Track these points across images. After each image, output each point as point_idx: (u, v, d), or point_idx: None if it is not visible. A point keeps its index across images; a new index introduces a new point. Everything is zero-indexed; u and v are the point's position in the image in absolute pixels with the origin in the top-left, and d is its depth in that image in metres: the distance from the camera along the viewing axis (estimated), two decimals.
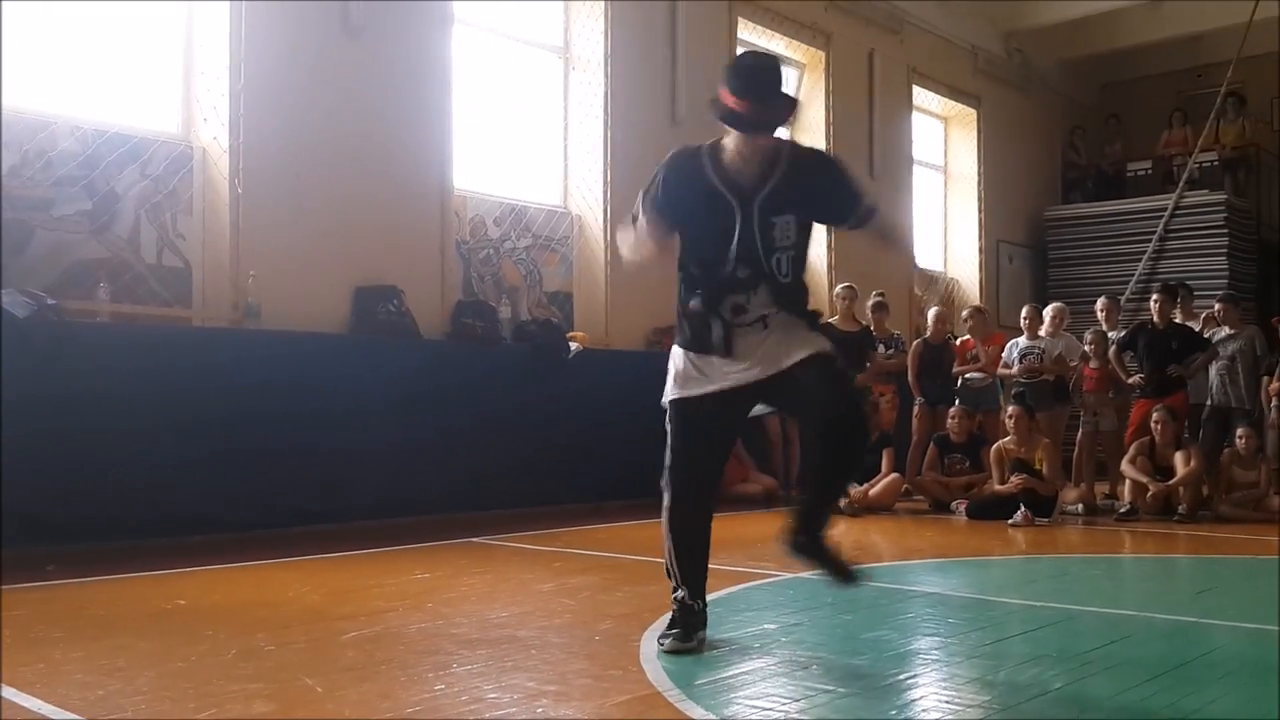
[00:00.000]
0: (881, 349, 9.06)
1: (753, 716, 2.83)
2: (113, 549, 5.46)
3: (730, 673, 3.28)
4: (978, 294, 12.86)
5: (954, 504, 8.10)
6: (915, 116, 12.46)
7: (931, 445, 8.53)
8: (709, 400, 3.46)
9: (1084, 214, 13.75)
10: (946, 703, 3.00)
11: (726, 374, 3.43)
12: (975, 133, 13.30)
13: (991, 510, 7.57)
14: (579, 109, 9.07)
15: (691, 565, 3.59)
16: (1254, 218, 13.31)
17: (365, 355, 6.98)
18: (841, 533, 7.18)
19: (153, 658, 3.41)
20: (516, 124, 8.83)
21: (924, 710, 2.95)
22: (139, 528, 5.74)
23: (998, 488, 7.73)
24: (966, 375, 9.02)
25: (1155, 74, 14.59)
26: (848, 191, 3.56)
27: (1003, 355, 8.91)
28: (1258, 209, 13.42)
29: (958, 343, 9.24)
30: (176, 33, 6.89)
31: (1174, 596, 5.31)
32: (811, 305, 3.60)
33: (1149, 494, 7.83)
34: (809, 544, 3.47)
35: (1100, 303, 9.52)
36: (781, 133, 3.59)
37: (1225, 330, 8.80)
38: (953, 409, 8.54)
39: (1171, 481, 7.80)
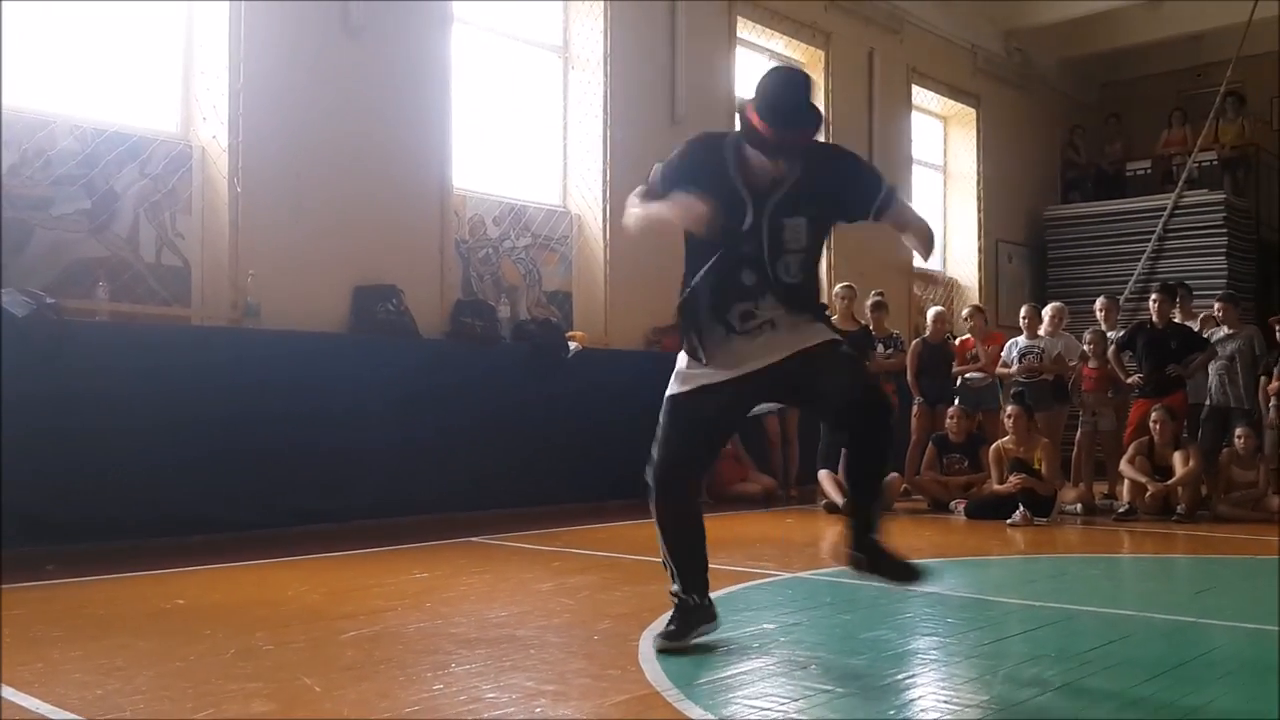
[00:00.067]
0: (880, 348, 9.06)
1: (751, 716, 2.83)
2: (112, 548, 5.46)
3: (729, 672, 3.28)
4: (977, 294, 12.86)
5: (953, 504, 8.11)
6: (915, 116, 12.46)
7: (930, 445, 8.53)
8: (709, 392, 3.41)
9: (1083, 213, 13.75)
10: (945, 702, 3.00)
11: (729, 366, 3.39)
12: (975, 132, 13.30)
13: (990, 510, 7.57)
14: (578, 108, 9.08)
15: (684, 559, 3.57)
16: (1253, 217, 13.31)
17: (364, 354, 6.99)
18: (840, 533, 7.18)
19: (151, 657, 3.41)
20: (516, 123, 8.83)
21: (923, 710, 2.96)
22: (138, 527, 5.74)
23: (996, 487, 7.74)
24: (966, 375, 9.03)
25: (1155, 73, 14.59)
26: (866, 180, 3.48)
27: (1002, 355, 8.92)
28: (1257, 208, 13.42)
29: (957, 342, 9.25)
30: (176, 32, 6.90)
31: (1173, 596, 5.31)
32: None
33: (1148, 494, 7.83)
34: (867, 554, 3.41)
35: (1099, 302, 9.53)
36: None
37: (1224, 330, 8.80)
38: (951, 408, 8.55)
39: (1170, 481, 7.80)
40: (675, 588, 3.57)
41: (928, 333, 9.21)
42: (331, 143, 7.21)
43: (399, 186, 7.58)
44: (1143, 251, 12.85)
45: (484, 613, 4.16)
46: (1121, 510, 7.94)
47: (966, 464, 8.32)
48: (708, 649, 3.52)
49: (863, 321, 9.07)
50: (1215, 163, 13.26)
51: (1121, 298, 11.51)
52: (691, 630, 3.52)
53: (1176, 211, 12.82)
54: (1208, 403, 8.75)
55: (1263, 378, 8.69)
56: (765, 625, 4.01)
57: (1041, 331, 8.92)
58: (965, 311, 9.59)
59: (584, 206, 9.01)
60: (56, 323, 5.66)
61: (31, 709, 2.84)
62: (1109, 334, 9.01)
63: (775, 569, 5.28)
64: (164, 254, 6.65)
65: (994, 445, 7.98)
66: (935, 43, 12.55)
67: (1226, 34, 12.81)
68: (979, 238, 13.27)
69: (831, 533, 7.19)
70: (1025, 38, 13.71)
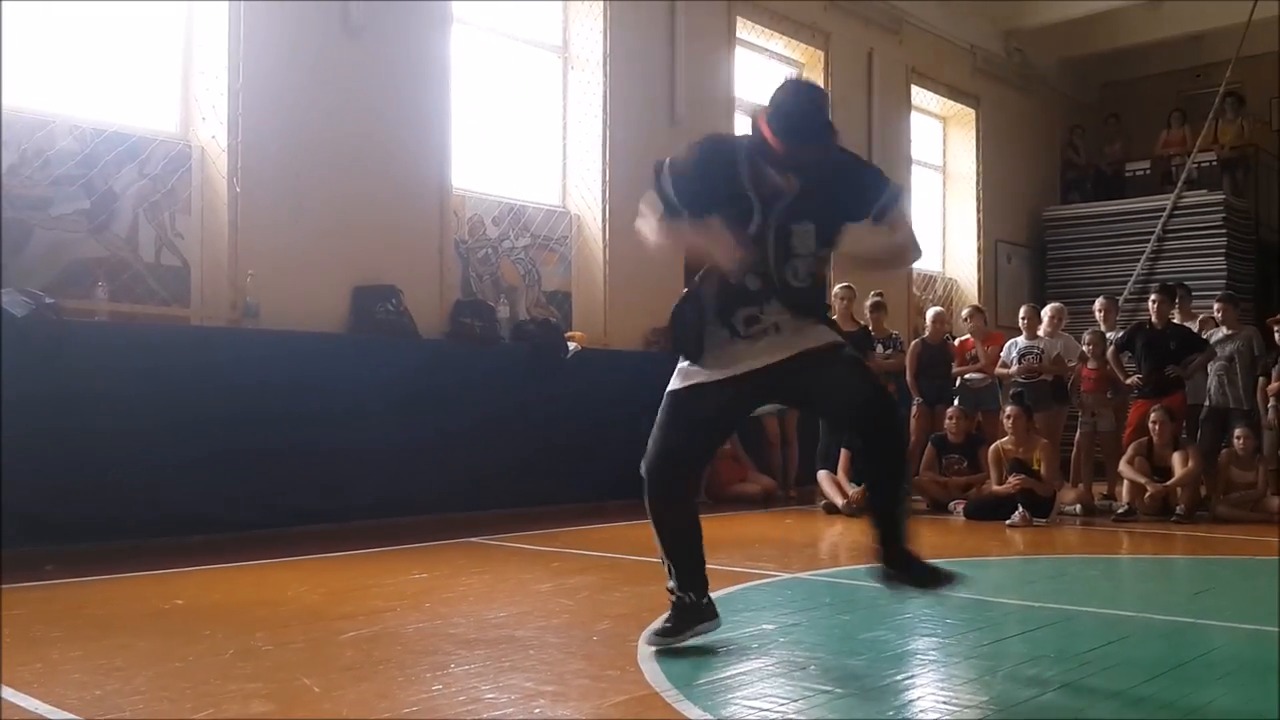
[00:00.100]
0: (880, 349, 9.06)
1: (750, 717, 2.83)
2: (112, 549, 5.46)
3: (728, 673, 3.28)
4: (976, 294, 12.86)
5: (952, 504, 8.10)
6: (914, 116, 12.45)
7: (929, 445, 8.53)
8: (710, 389, 3.40)
9: (1083, 214, 13.75)
10: (944, 703, 3.00)
11: (731, 366, 3.37)
12: (974, 132, 13.30)
13: (989, 510, 7.57)
14: (578, 108, 9.07)
15: (678, 556, 3.55)
16: (1252, 218, 13.31)
17: (364, 355, 6.99)
18: (839, 533, 7.19)
19: (151, 657, 3.41)
20: (515, 124, 8.83)
21: (922, 711, 2.96)
22: (138, 527, 5.74)
23: (996, 488, 7.74)
24: (966, 375, 9.03)
25: (1154, 74, 14.59)
26: (871, 183, 3.42)
27: (1001, 355, 8.92)
28: (1256, 209, 13.42)
29: (956, 343, 9.25)
30: (175, 32, 6.89)
31: (1172, 597, 5.32)
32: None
33: (1147, 494, 7.83)
34: (899, 566, 3.38)
35: (1098, 303, 9.54)
36: None
37: (1223, 330, 8.80)
38: (950, 409, 8.54)
39: (1169, 482, 7.81)
40: (671, 584, 3.56)
41: (927, 333, 9.21)
42: (331, 143, 7.21)
43: (398, 187, 7.58)
44: (1142, 252, 12.86)
45: (483, 613, 4.16)
46: (1120, 511, 7.94)
47: (965, 464, 8.32)
48: (707, 650, 3.51)
49: (862, 322, 9.08)
50: (1214, 163, 13.26)
51: (1121, 298, 11.51)
52: (687, 629, 3.51)
53: (1176, 212, 12.83)
54: (1207, 403, 8.75)
55: (1261, 378, 8.69)
56: (764, 626, 4.01)
57: (1041, 332, 8.92)
58: (965, 312, 9.60)
59: (583, 207, 9.01)
60: (56, 323, 5.66)
61: (31, 709, 2.85)
62: (1108, 334, 9.02)
63: (774, 569, 5.28)
64: (163, 254, 6.65)
65: (993, 446, 7.98)
66: (935, 43, 12.55)
67: (1226, 34, 12.82)
68: (978, 238, 13.27)
69: (831, 533, 7.20)
70: (1025, 38, 13.71)
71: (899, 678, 3.31)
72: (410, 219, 7.66)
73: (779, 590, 4.82)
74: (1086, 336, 8.91)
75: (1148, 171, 13.93)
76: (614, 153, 8.94)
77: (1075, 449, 8.99)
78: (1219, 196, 12.72)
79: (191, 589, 4.68)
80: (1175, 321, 8.80)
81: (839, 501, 8.04)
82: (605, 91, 8.98)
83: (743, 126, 10.22)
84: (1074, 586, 5.34)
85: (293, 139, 7.03)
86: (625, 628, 3.83)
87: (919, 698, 3.10)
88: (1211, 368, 8.68)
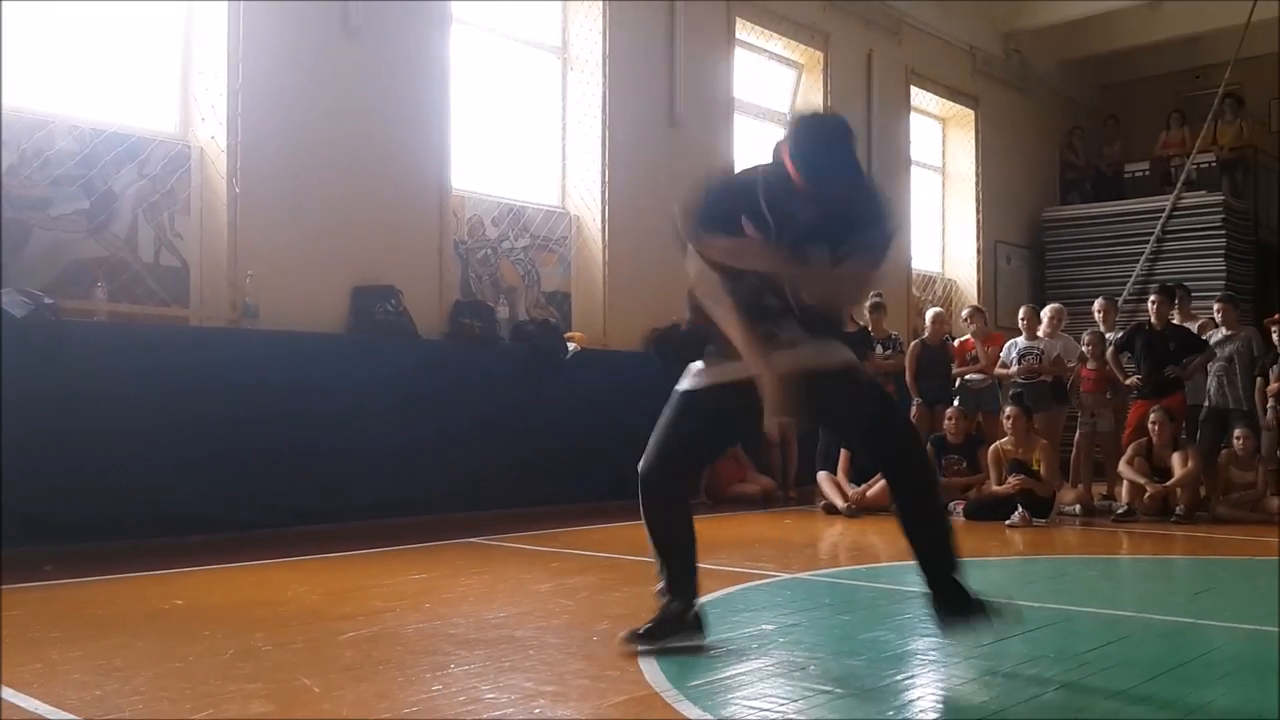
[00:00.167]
0: (879, 350, 9.07)
1: (750, 717, 2.83)
2: (111, 549, 5.46)
3: (727, 673, 3.28)
4: (975, 295, 12.86)
5: (951, 505, 8.09)
6: (913, 117, 12.45)
7: (929, 446, 8.52)
8: (721, 391, 3.38)
9: (1082, 215, 13.75)
10: (944, 703, 3.00)
11: (745, 370, 3.31)
12: (973, 134, 13.30)
13: (989, 511, 7.57)
14: (577, 109, 9.07)
15: (667, 560, 3.54)
16: (1252, 219, 13.31)
17: (363, 355, 6.99)
18: (839, 533, 7.19)
19: (150, 658, 3.41)
20: (514, 124, 8.83)
21: (921, 711, 2.96)
22: (138, 527, 5.74)
23: (995, 488, 7.74)
24: (966, 376, 9.03)
25: (1154, 75, 14.60)
26: (876, 220, 3.35)
27: (1000, 355, 8.92)
28: (1255, 210, 13.42)
29: (956, 344, 9.25)
30: (175, 32, 6.89)
31: (1171, 597, 5.32)
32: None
33: (1146, 495, 7.83)
34: (950, 603, 3.28)
35: (1098, 304, 9.54)
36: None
37: (1223, 331, 8.81)
38: (949, 409, 8.54)
39: (1169, 482, 7.81)
40: (659, 586, 3.55)
41: (926, 334, 9.21)
42: (330, 143, 7.21)
43: (398, 187, 7.58)
44: (1141, 253, 12.86)
45: (483, 613, 4.16)
46: (1120, 511, 7.94)
47: (965, 465, 8.32)
48: (706, 650, 3.51)
49: (861, 323, 9.08)
50: (1214, 164, 13.26)
51: (1120, 299, 11.51)
52: (666, 637, 3.47)
53: (1175, 213, 12.83)
54: (1206, 404, 8.75)
55: (1259, 379, 8.69)
56: (764, 626, 4.01)
57: (1040, 333, 8.93)
58: (965, 312, 9.60)
59: (582, 207, 9.01)
60: (55, 323, 5.66)
61: (30, 709, 2.84)
62: (1107, 335, 9.02)
63: (774, 570, 5.28)
64: (162, 254, 6.65)
65: (992, 446, 7.98)
66: (934, 44, 12.55)
67: (1225, 36, 12.82)
68: (978, 239, 13.27)
69: (830, 533, 7.20)
70: (1024, 39, 13.71)
71: (899, 678, 3.30)
72: (410, 219, 7.66)
73: (778, 590, 4.81)
74: (1086, 337, 8.91)
75: (1147, 173, 13.93)
76: (613, 153, 8.94)
77: (1075, 449, 8.99)
78: (1218, 197, 12.72)
79: (191, 589, 4.68)
80: (1175, 322, 8.80)
81: (839, 502, 8.04)
82: (604, 92, 8.98)
83: (742, 126, 10.26)
84: (1073, 587, 5.35)
85: (292, 139, 7.03)
86: (624, 628, 3.81)
87: (919, 698, 3.10)
88: (1211, 368, 8.68)
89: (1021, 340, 8.92)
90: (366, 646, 3.58)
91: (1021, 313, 9.18)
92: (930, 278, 12.89)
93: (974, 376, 9.01)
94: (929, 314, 9.44)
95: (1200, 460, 7.97)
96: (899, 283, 11.68)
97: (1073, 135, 14.67)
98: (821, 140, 3.19)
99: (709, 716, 2.81)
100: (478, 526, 6.67)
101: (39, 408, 5.40)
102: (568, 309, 8.89)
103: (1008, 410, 8.08)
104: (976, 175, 13.26)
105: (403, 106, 7.62)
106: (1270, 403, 8.59)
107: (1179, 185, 12.97)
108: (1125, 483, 8.02)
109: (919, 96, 12.59)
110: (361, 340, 7.09)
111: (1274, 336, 8.76)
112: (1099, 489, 8.84)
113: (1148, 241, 12.86)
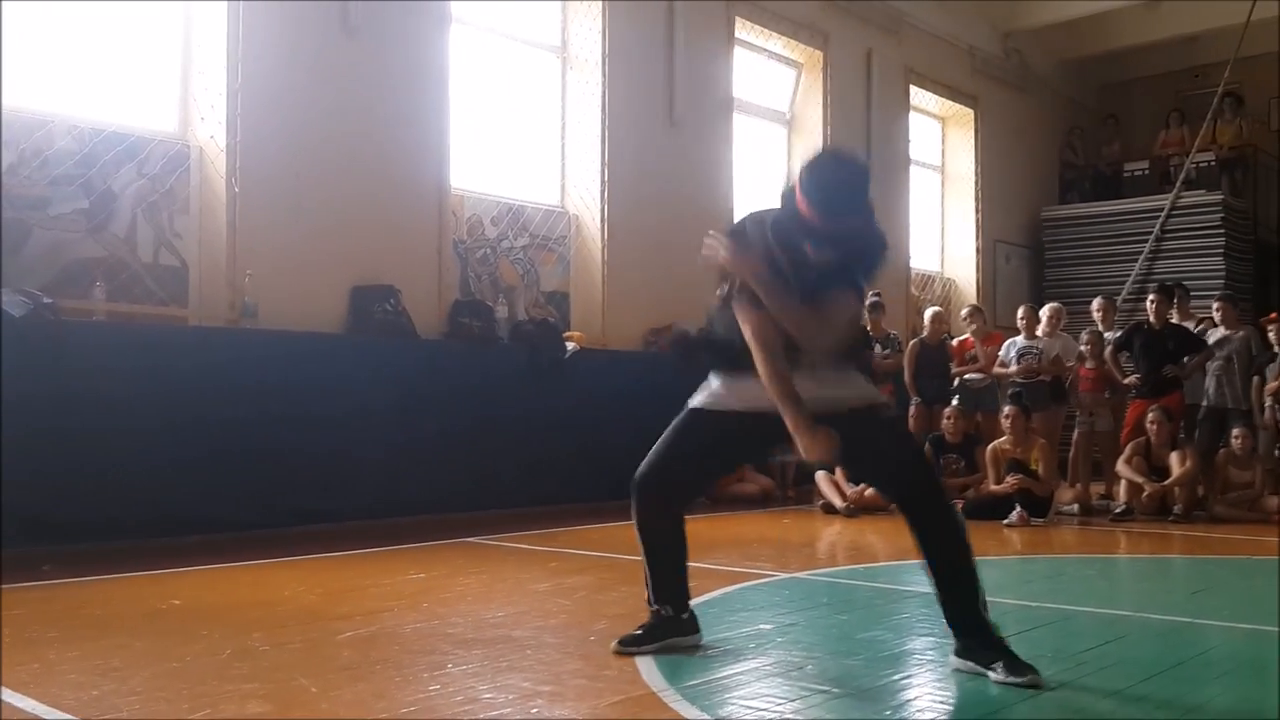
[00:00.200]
0: (878, 349, 9.07)
1: (747, 717, 2.84)
2: (110, 549, 5.45)
3: (725, 673, 3.28)
4: (974, 294, 12.87)
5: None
6: (913, 116, 12.46)
7: (927, 445, 8.53)
8: (733, 418, 3.32)
9: (1081, 214, 13.76)
10: (941, 703, 3.00)
11: (763, 400, 3.19)
12: (973, 133, 13.30)
13: (987, 510, 7.56)
14: (576, 108, 9.08)
15: (659, 568, 3.53)
16: (1251, 218, 13.32)
17: (362, 355, 6.99)
18: (837, 533, 7.19)
19: (148, 658, 3.41)
20: (514, 124, 8.83)
21: (919, 711, 2.96)
22: (137, 527, 5.74)
23: (993, 488, 7.74)
24: (965, 375, 9.03)
25: (1153, 74, 14.61)
26: (864, 263, 3.26)
27: (999, 355, 8.93)
28: (1254, 209, 13.43)
29: (955, 343, 9.25)
30: (174, 31, 6.90)
31: (1169, 597, 5.32)
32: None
33: (1144, 494, 7.84)
34: (972, 639, 3.20)
35: (1097, 303, 9.55)
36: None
37: (1221, 331, 8.81)
38: (948, 409, 8.55)
39: (1167, 482, 7.81)
40: (648, 595, 3.55)
41: (925, 333, 9.22)
42: (329, 143, 7.21)
43: (397, 187, 7.58)
44: (1140, 252, 12.87)
45: (481, 613, 4.17)
46: (1118, 511, 7.94)
47: (963, 464, 8.32)
48: (704, 650, 3.52)
49: (860, 322, 9.08)
50: (1213, 163, 13.27)
51: (1119, 298, 11.52)
52: (657, 640, 3.47)
53: (1174, 212, 12.83)
54: (1205, 403, 8.75)
55: (1257, 378, 8.69)
56: (761, 626, 4.01)
57: (1039, 332, 8.93)
58: (965, 312, 9.60)
59: (582, 207, 9.01)
60: (54, 323, 5.66)
61: (28, 710, 2.85)
62: (1106, 335, 9.03)
63: (772, 569, 5.29)
64: (161, 254, 6.65)
65: (991, 445, 7.99)
66: (933, 43, 12.56)
67: (1224, 35, 12.83)
68: (977, 238, 13.27)
69: (828, 533, 7.20)
70: (1023, 39, 13.71)
71: (896, 678, 3.31)
72: (409, 219, 7.66)
73: (776, 590, 4.82)
74: (1084, 336, 8.92)
75: (1146, 172, 13.94)
76: (612, 153, 8.94)
77: (1073, 449, 9.00)
78: (1217, 197, 12.72)
79: (189, 589, 4.68)
80: (1173, 321, 8.81)
81: (837, 502, 8.04)
82: (604, 91, 8.98)
83: (742, 126, 10.26)
84: (1071, 586, 5.35)
85: (291, 139, 7.03)
86: (623, 628, 3.82)
87: (916, 698, 3.10)
88: (1209, 367, 8.69)
89: (1020, 339, 8.92)
90: (364, 646, 3.58)
91: (1020, 312, 9.19)
92: (929, 277, 12.89)
93: (973, 376, 9.02)
94: (928, 313, 9.44)
95: (1198, 459, 7.98)
96: (898, 282, 11.69)
97: (1072, 135, 14.68)
98: (839, 182, 3.12)
99: (706, 716, 2.82)
100: (476, 526, 6.67)
101: (38, 408, 5.39)
102: (567, 309, 8.89)
103: (1006, 409, 8.08)
104: (976, 174, 13.27)
105: (402, 106, 7.63)
106: (1268, 402, 8.60)
107: (1178, 184, 12.98)
108: (1123, 482, 8.02)
109: (918, 96, 12.59)
110: (360, 340, 7.09)
111: (1272, 336, 8.77)
112: (1097, 488, 8.85)
113: (1147, 241, 12.87)
